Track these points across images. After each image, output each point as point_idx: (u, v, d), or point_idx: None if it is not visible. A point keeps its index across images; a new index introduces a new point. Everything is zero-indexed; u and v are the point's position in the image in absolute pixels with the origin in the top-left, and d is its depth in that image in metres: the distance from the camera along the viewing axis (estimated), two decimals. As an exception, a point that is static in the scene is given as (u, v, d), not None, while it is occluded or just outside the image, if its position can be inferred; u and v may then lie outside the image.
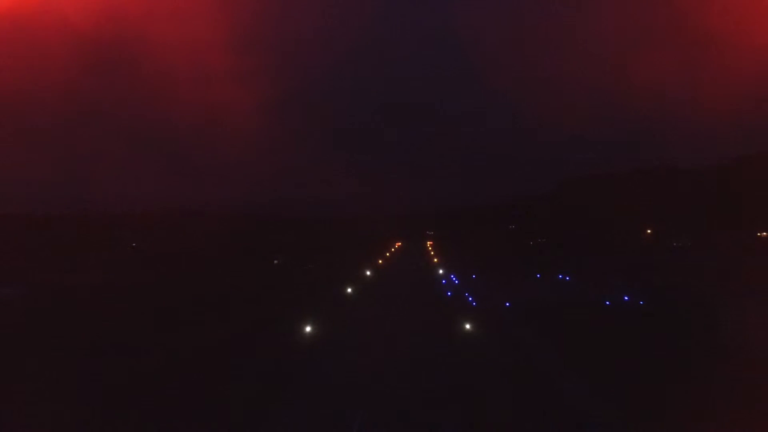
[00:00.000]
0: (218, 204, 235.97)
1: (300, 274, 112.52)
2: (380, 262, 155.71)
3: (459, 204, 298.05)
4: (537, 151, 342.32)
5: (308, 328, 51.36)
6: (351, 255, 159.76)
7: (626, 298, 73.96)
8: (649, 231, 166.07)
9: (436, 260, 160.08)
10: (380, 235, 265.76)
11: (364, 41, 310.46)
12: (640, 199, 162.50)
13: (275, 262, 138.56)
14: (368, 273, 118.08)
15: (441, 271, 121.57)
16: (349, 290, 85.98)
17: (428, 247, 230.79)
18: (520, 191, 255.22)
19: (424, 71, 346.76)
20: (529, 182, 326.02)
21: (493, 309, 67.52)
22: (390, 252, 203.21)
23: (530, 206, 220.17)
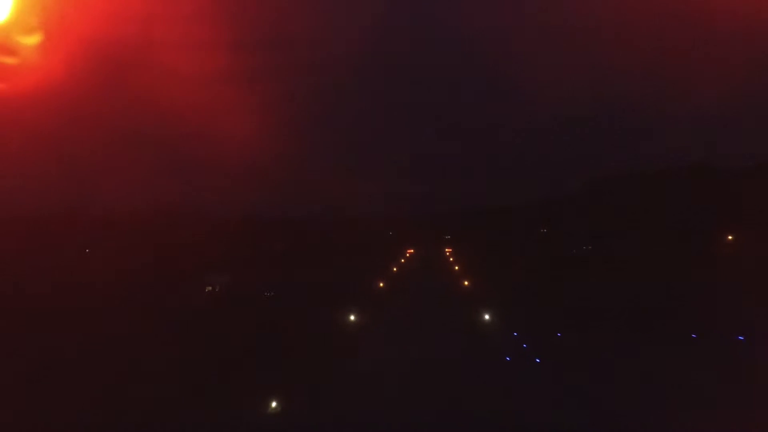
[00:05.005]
0: (214, 205, 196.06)
1: (221, 325, 60.13)
2: (381, 285, 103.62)
3: (473, 205, 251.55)
4: (556, 150, 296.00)
5: None
6: (340, 272, 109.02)
7: None
8: (730, 237, 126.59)
9: (466, 283, 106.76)
10: (389, 239, 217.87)
11: (372, 40, 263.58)
12: (677, 200, 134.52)
13: (208, 289, 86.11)
14: (352, 318, 65.92)
15: (487, 317, 67.72)
16: (273, 405, 33.81)
17: (449, 258, 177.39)
18: (542, 192, 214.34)
19: (442, 71, 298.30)
20: (551, 182, 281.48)
21: None
22: (398, 266, 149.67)
23: (558, 208, 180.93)
